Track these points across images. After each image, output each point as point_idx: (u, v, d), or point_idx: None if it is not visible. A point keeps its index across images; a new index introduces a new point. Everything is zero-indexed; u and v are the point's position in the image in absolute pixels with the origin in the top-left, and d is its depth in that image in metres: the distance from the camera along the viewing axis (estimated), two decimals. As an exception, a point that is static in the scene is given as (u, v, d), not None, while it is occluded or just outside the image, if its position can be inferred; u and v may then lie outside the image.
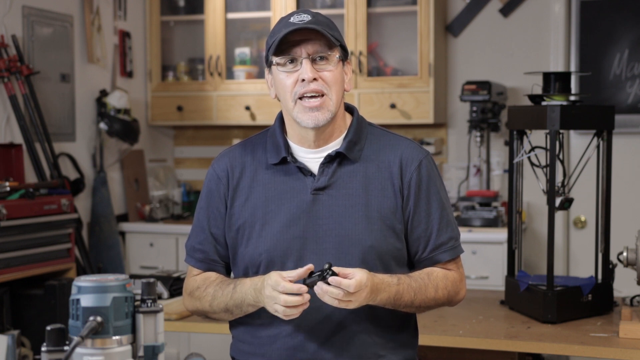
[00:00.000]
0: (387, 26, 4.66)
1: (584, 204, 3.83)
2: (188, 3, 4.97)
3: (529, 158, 2.93)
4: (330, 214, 1.99)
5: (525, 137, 2.94)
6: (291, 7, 4.57)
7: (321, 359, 1.98)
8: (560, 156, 2.87)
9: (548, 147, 2.80)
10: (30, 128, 4.01)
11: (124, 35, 4.81)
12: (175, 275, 3.10)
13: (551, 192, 2.80)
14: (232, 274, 2.13)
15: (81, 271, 4.14)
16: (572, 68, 4.52)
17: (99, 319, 1.42)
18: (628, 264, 2.74)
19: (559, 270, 4.44)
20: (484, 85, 4.36)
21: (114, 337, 1.45)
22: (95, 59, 4.54)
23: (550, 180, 2.79)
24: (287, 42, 1.96)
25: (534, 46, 4.63)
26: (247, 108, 4.73)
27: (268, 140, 2.08)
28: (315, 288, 1.85)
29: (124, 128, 4.54)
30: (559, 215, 4.49)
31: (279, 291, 1.85)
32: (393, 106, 4.49)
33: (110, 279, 1.47)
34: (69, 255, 3.89)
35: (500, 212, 4.30)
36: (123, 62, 4.82)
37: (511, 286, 2.94)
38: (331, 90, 1.97)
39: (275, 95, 2.05)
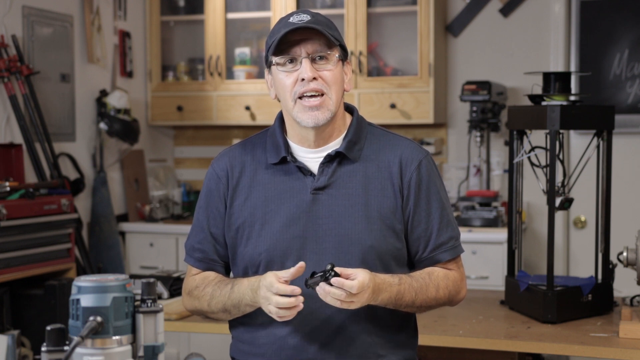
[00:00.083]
0: (387, 26, 4.66)
1: (584, 204, 3.83)
2: (188, 3, 4.97)
3: (529, 158, 2.93)
4: (330, 214, 1.99)
5: (525, 137, 2.94)
6: (291, 7, 4.58)
7: (321, 359, 1.98)
8: (560, 156, 2.87)
9: (548, 147, 2.80)
10: (30, 128, 4.01)
11: (124, 35, 4.81)
12: (175, 275, 3.10)
13: (551, 192, 2.79)
14: (231, 274, 2.13)
15: (81, 271, 4.14)
16: (572, 68, 4.52)
17: (99, 319, 1.42)
18: (628, 264, 2.74)
19: (559, 270, 4.44)
20: (484, 85, 4.36)
21: (114, 337, 1.45)
22: (95, 59, 4.54)
23: (550, 180, 2.79)
24: (286, 42, 1.96)
25: (534, 46, 4.63)
26: (247, 108, 4.73)
27: (268, 140, 2.08)
28: (318, 289, 1.85)
29: (124, 128, 4.54)
30: (559, 215, 4.49)
31: (273, 292, 1.85)
32: (393, 106, 4.49)
33: (110, 279, 1.47)
34: (69, 255, 3.89)
35: (500, 212, 4.30)
36: (123, 62, 4.82)
37: (511, 286, 2.94)
38: (331, 90, 1.98)
39: (275, 96, 2.06)
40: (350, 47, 4.45)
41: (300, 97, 1.97)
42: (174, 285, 3.05)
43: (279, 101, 2.05)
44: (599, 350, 2.47)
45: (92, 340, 1.43)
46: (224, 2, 4.76)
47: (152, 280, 1.53)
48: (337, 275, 1.83)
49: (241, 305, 1.98)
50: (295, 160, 2.03)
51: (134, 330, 1.49)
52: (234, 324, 2.10)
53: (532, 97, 2.92)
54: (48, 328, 1.44)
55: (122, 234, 4.72)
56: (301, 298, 1.85)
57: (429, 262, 2.05)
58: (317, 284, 1.84)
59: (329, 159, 2.02)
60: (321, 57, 1.97)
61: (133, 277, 2.75)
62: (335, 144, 2.04)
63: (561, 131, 2.84)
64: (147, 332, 1.49)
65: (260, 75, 4.77)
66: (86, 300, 1.44)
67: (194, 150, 5.24)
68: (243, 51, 4.80)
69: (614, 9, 4.48)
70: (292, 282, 1.88)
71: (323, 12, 4.02)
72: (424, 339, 2.48)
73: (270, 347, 2.01)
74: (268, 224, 2.01)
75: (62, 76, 4.33)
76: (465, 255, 2.19)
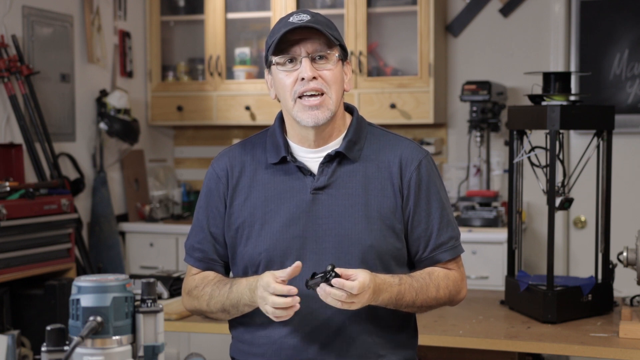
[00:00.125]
0: (387, 26, 4.66)
1: (584, 204, 3.83)
2: (188, 3, 4.97)
3: (529, 158, 2.93)
4: (329, 214, 1.99)
5: (525, 137, 2.94)
6: (291, 7, 4.58)
7: (321, 359, 1.98)
8: (560, 156, 2.87)
9: (548, 147, 2.80)
10: (30, 128, 4.01)
11: (124, 35, 4.81)
12: (175, 275, 3.10)
13: (551, 192, 2.79)
14: (231, 274, 2.13)
15: (81, 271, 4.14)
16: (572, 68, 4.52)
17: (99, 319, 1.42)
18: (628, 264, 2.74)
19: (559, 270, 4.44)
20: (484, 85, 4.36)
21: (114, 337, 1.45)
22: (95, 59, 4.54)
23: (550, 180, 2.79)
24: (286, 42, 1.96)
25: (534, 46, 4.63)
26: (247, 108, 4.73)
27: (268, 140, 2.08)
28: (318, 290, 1.84)
29: (124, 128, 4.54)
30: (559, 215, 4.49)
31: (270, 292, 1.85)
32: (393, 106, 4.49)
33: (110, 279, 1.47)
34: (69, 255, 3.89)
35: (500, 212, 4.30)
36: (123, 62, 4.82)
37: (511, 286, 2.94)
38: (331, 89, 1.98)
39: (275, 96, 2.06)
40: (350, 47, 4.45)
41: (300, 97, 1.97)
42: (174, 285, 3.05)
43: (279, 101, 2.05)
44: (599, 350, 2.47)
45: (92, 340, 1.43)
46: (224, 2, 4.76)
47: (152, 280, 1.53)
48: (337, 276, 1.82)
49: (239, 305, 1.98)
50: (295, 160, 2.03)
51: (134, 330, 1.49)
52: (234, 324, 2.10)
53: (532, 97, 2.92)
54: (48, 328, 1.44)
55: (122, 234, 4.72)
56: (297, 298, 1.84)
57: (429, 262, 2.05)
58: (318, 285, 1.84)
59: (328, 159, 2.02)
60: (321, 57, 1.97)
61: (133, 277, 2.75)
62: (335, 144, 2.04)
63: (561, 131, 2.84)
64: (147, 332, 1.50)
65: (260, 75, 4.77)
66: (86, 300, 1.44)
67: (194, 150, 5.24)
68: (243, 51, 4.81)
69: (614, 9, 4.48)
70: (292, 282, 1.87)
71: (323, 12, 4.02)
72: (424, 339, 2.48)
73: (270, 347, 2.01)
74: (268, 223, 2.01)
75: (62, 76, 4.33)
76: (465, 255, 2.19)
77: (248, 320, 2.04)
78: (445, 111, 4.76)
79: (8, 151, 3.88)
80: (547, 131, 2.78)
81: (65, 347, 1.43)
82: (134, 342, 1.48)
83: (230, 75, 4.82)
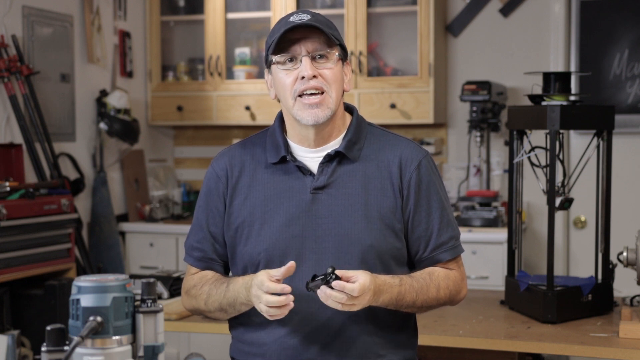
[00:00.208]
0: (387, 26, 4.66)
1: (584, 204, 3.83)
2: (188, 3, 4.97)
3: (529, 158, 2.93)
4: (329, 213, 1.99)
5: (525, 137, 2.94)
6: (291, 7, 4.58)
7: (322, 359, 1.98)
8: (560, 156, 2.87)
9: (548, 147, 2.80)
10: (30, 128, 4.01)
11: (124, 35, 4.81)
12: (175, 275, 3.10)
13: (551, 192, 2.79)
14: (230, 274, 2.13)
15: (81, 271, 4.14)
16: (572, 68, 4.52)
17: (99, 319, 1.42)
18: (628, 264, 2.74)
19: (559, 270, 4.44)
20: (484, 85, 4.36)
21: (114, 337, 1.45)
22: (95, 59, 4.54)
23: (550, 180, 2.79)
24: (286, 41, 1.96)
25: (534, 46, 4.63)
26: (247, 108, 4.73)
27: (267, 140, 2.08)
28: (319, 292, 1.84)
29: (124, 128, 4.54)
30: (559, 215, 4.49)
31: (263, 291, 1.85)
32: (393, 106, 4.49)
33: (110, 279, 1.47)
34: (69, 255, 3.89)
35: (500, 212, 4.30)
36: (123, 62, 4.82)
37: (511, 286, 2.94)
38: (331, 88, 1.98)
39: (275, 96, 2.06)
40: (350, 47, 4.45)
41: (300, 95, 1.97)
42: (174, 285, 3.05)
43: (279, 101, 2.05)
44: (599, 350, 2.47)
45: (92, 340, 1.43)
46: (224, 2, 4.76)
47: (152, 280, 1.53)
48: (338, 278, 1.82)
49: (236, 303, 1.98)
50: (294, 159, 2.03)
51: (134, 330, 1.49)
52: (234, 324, 2.10)
53: (532, 97, 2.92)
54: (48, 328, 1.44)
55: (122, 234, 4.72)
56: (291, 297, 1.84)
57: (429, 262, 2.05)
58: (318, 287, 1.83)
59: (328, 159, 2.02)
60: (321, 56, 1.97)
61: (133, 277, 2.75)
62: (335, 144, 2.04)
63: (561, 131, 2.84)
64: (147, 332, 1.50)
65: (260, 75, 4.77)
66: (86, 300, 1.44)
67: (194, 150, 5.24)
68: (243, 51, 4.81)
69: (614, 9, 4.48)
70: (291, 283, 1.87)
71: (323, 12, 4.03)
72: (424, 339, 2.48)
73: (270, 347, 2.01)
74: (267, 223, 2.01)
75: (62, 76, 4.33)
76: (465, 255, 2.19)
77: (248, 321, 2.04)
78: (445, 111, 4.76)
79: (8, 151, 3.88)
80: (547, 131, 2.78)
81: (65, 347, 1.43)
82: (134, 342, 1.48)
83: (230, 75, 4.82)
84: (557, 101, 2.85)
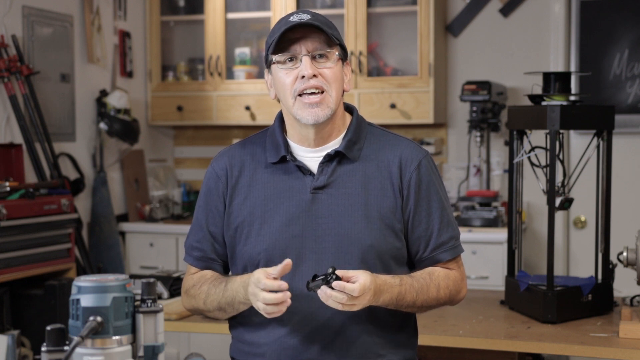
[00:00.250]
0: (387, 26, 4.66)
1: (584, 204, 3.83)
2: (188, 3, 4.97)
3: (529, 158, 2.93)
4: (329, 213, 1.99)
5: (525, 137, 2.94)
6: (291, 7, 4.58)
7: (322, 359, 1.98)
8: (560, 156, 2.87)
9: (548, 147, 2.80)
10: (30, 128, 4.01)
11: (124, 35, 4.81)
12: (175, 275, 3.10)
13: (551, 192, 2.79)
14: (230, 273, 2.13)
15: (81, 271, 4.14)
16: (572, 68, 4.52)
17: (99, 319, 1.42)
18: (628, 264, 2.74)
19: (559, 270, 4.44)
20: (484, 85, 4.36)
21: (114, 337, 1.45)
22: (95, 59, 4.54)
23: (550, 180, 2.79)
24: (286, 40, 1.96)
25: (534, 46, 4.63)
26: (247, 108, 4.73)
27: (267, 140, 2.08)
28: (319, 292, 1.84)
29: (124, 128, 4.54)
30: (559, 215, 4.49)
31: (260, 288, 1.85)
32: (393, 106, 4.49)
33: (110, 279, 1.47)
34: (69, 255, 3.89)
35: (500, 212, 4.30)
36: (123, 62, 4.82)
37: (511, 286, 2.94)
38: (331, 87, 1.98)
39: (274, 96, 2.06)
40: (350, 47, 4.46)
41: (300, 95, 1.97)
42: (174, 285, 3.05)
43: (279, 101, 2.05)
44: (599, 350, 2.47)
45: (92, 340, 1.43)
46: (224, 2, 4.76)
47: (152, 280, 1.53)
48: (338, 278, 1.82)
49: (235, 302, 1.98)
50: (294, 159, 2.03)
51: (134, 330, 1.49)
52: (234, 324, 2.10)
53: (532, 97, 2.92)
54: (48, 328, 1.44)
55: (122, 234, 4.72)
56: (288, 294, 1.84)
57: (429, 261, 2.05)
58: (319, 287, 1.83)
59: (328, 159, 2.02)
60: (321, 55, 1.97)
61: (133, 277, 2.75)
62: (334, 144, 2.04)
63: (561, 131, 2.84)
64: (147, 332, 1.50)
65: (260, 75, 4.77)
66: (86, 300, 1.44)
67: (194, 150, 5.24)
68: (243, 51, 4.81)
69: (614, 9, 4.48)
70: (291, 283, 1.87)
71: (323, 12, 4.03)
72: (424, 339, 2.48)
73: (270, 347, 2.01)
74: (267, 223, 2.01)
75: (62, 76, 4.33)
76: (465, 255, 2.19)
77: (248, 321, 2.04)
78: (445, 111, 4.76)
79: (8, 151, 3.88)
80: (547, 131, 2.78)
81: (65, 347, 1.43)
82: (134, 342, 1.48)
83: (230, 75, 4.82)
84: (557, 101, 2.85)
